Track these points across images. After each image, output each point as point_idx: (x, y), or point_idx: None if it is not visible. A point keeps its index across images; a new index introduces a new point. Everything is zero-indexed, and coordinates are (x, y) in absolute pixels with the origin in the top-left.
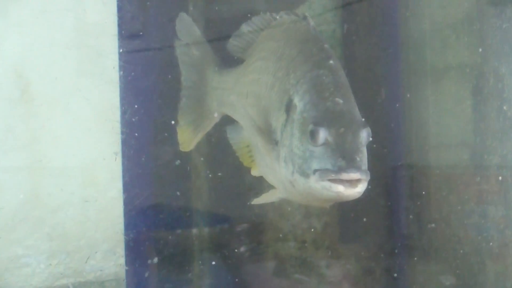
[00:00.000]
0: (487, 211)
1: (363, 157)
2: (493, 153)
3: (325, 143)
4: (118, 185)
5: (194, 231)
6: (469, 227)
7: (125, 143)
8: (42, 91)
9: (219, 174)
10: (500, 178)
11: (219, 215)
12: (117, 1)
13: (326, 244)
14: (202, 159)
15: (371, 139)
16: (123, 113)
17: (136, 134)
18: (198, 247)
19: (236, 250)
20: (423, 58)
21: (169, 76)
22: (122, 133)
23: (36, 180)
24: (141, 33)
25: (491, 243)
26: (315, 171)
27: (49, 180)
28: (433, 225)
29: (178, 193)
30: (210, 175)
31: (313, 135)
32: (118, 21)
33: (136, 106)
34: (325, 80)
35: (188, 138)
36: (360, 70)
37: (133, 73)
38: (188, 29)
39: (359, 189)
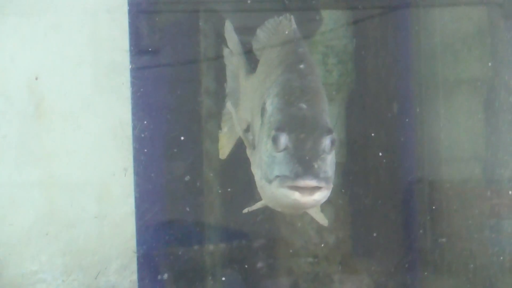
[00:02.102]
0: (499, 225)
1: (323, 164)
2: (504, 166)
3: (286, 149)
4: (131, 200)
5: (206, 246)
6: (480, 241)
7: (136, 158)
8: (55, 106)
9: (229, 189)
10: (510, 192)
11: (231, 230)
12: (128, 17)
13: (339, 259)
14: (212, 174)
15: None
16: (134, 128)
17: (146, 150)
18: (209, 262)
19: (248, 266)
20: (434, 72)
21: (179, 92)
22: (133, 148)
23: (49, 195)
24: (150, 49)
25: (501, 257)
26: (276, 177)
27: (63, 196)
28: (444, 239)
29: (188, 208)
30: (220, 191)
31: (274, 140)
32: (129, 36)
33: (145, 121)
34: (293, 84)
35: (227, 145)
36: (371, 84)
37: (142, 89)
38: (229, 36)
39: (317, 197)
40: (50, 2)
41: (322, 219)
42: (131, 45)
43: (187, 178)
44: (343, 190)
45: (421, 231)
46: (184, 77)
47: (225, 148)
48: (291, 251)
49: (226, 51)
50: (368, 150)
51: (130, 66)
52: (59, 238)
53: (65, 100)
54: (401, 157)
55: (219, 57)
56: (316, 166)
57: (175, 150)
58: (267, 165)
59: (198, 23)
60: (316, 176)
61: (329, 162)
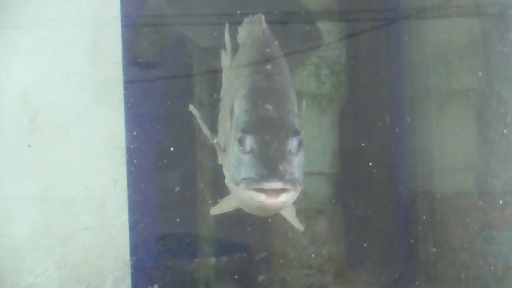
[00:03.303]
0: (491, 235)
1: (289, 166)
2: (497, 177)
3: (252, 151)
4: (126, 212)
5: (199, 258)
6: (473, 252)
7: (128, 170)
8: (50, 119)
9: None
10: (501, 202)
11: (223, 241)
12: (121, 29)
13: (333, 270)
14: (202, 185)
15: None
16: (127, 140)
17: (135, 161)
18: (203, 274)
19: (241, 278)
20: (427, 83)
21: (168, 103)
22: (126, 160)
23: (45, 208)
24: (139, 60)
25: (492, 267)
26: (242, 179)
27: (58, 209)
28: (434, 249)
29: (178, 219)
30: (210, 202)
31: (240, 142)
32: (122, 49)
33: (135, 132)
34: (260, 85)
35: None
36: (364, 95)
37: (131, 100)
38: (225, 38)
39: (282, 199)
40: (44, 15)
41: (297, 224)
42: (124, 57)
43: (177, 188)
44: (334, 201)
45: (413, 241)
46: (177, 89)
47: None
48: (285, 262)
49: (222, 54)
50: (361, 161)
51: (122, 79)
52: (54, 250)
53: (59, 113)
54: (393, 167)
55: (212, 69)
56: (281, 168)
57: (165, 161)
58: (234, 167)
59: (190, 35)
60: (281, 178)
61: (296, 164)
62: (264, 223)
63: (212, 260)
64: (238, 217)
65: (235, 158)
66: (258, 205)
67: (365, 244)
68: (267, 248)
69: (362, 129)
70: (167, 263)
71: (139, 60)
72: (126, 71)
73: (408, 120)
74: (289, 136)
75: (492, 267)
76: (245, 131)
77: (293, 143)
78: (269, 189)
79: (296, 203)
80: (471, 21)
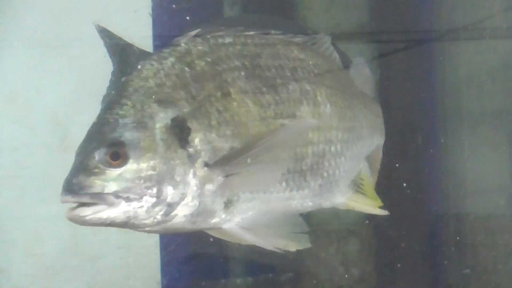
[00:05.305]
0: None
1: (91, 179)
2: None
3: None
4: None
5: (230, 279)
6: (506, 273)
7: None
8: (80, 139)
9: None
10: None
11: (255, 262)
12: (153, 49)
13: None
14: None
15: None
16: None
17: None
18: None
19: None
20: (459, 104)
21: None
22: None
23: (74, 228)
24: None
25: None
26: None
27: (88, 228)
28: (468, 270)
29: (212, 239)
30: None
31: None
32: None
33: None
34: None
35: None
36: (396, 115)
37: None
38: None
39: (78, 213)
40: (75, 34)
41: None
42: None
43: None
44: (367, 222)
45: (446, 262)
46: None
47: None
48: (316, 282)
49: None
50: (393, 181)
51: None
52: (83, 270)
53: None
54: (426, 188)
55: None
56: (74, 180)
57: None
58: None
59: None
60: (69, 191)
61: (112, 176)
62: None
63: (244, 281)
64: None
65: None
66: None
67: (398, 265)
68: (300, 269)
69: (394, 150)
70: (200, 284)
71: None
72: None
73: (440, 141)
74: (94, 147)
75: None
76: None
77: (100, 155)
78: (76, 202)
79: (327, 223)
80: (504, 42)
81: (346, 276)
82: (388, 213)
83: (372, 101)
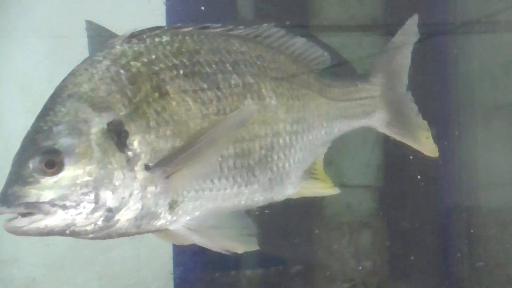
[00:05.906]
0: None
1: (22, 189)
2: None
3: None
4: None
5: (243, 270)
6: None
7: None
8: None
9: (266, 211)
10: None
11: (267, 254)
12: None
13: (376, 283)
14: None
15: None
16: None
17: None
18: (246, 287)
19: None
20: (473, 97)
21: None
22: None
23: None
24: None
25: None
26: None
27: None
28: (481, 263)
29: None
30: (257, 213)
31: None
32: None
33: None
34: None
35: None
36: None
37: None
38: None
39: (14, 224)
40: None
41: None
42: None
43: None
44: (380, 214)
45: (458, 255)
46: None
47: None
48: (328, 274)
49: None
50: (406, 174)
51: None
52: (95, 260)
53: None
54: (438, 181)
55: None
56: (9, 191)
57: None
58: None
59: None
60: (5, 202)
61: (48, 185)
62: (309, 236)
63: (256, 273)
64: (285, 228)
65: None
66: None
67: (411, 258)
68: (311, 261)
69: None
70: (212, 275)
71: None
72: None
73: (454, 133)
74: (26, 156)
75: None
76: None
77: (34, 163)
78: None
79: (340, 216)
80: None
81: (359, 268)
82: (340, 191)
83: (360, 81)
